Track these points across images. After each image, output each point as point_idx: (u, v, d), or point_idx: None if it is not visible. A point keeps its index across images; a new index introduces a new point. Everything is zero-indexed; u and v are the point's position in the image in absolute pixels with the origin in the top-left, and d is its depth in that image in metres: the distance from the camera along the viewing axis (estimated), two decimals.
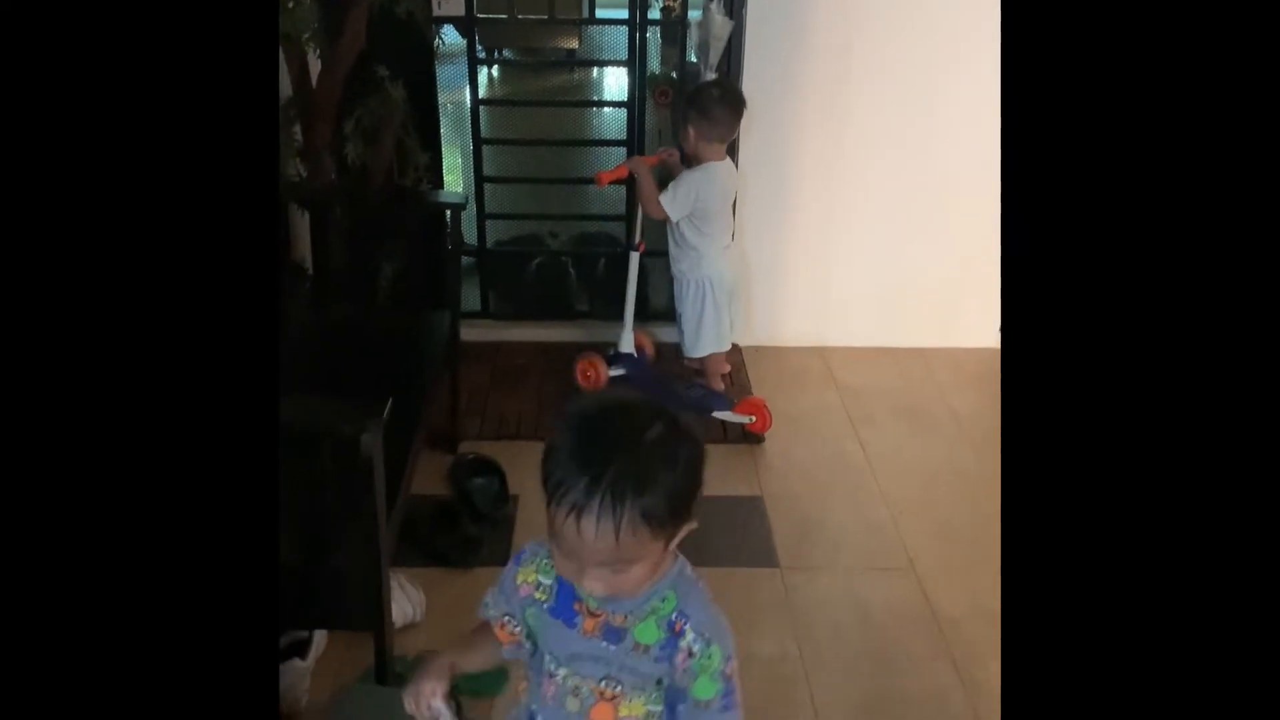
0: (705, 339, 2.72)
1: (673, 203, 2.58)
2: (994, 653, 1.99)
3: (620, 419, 0.98)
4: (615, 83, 6.33)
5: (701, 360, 2.79)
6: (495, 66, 6.19)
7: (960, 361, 3.14)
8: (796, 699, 1.92)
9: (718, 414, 2.72)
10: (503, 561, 2.18)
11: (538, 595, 1.12)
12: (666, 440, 0.97)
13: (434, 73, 2.81)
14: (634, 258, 2.77)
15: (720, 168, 2.61)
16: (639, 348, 2.88)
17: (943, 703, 1.92)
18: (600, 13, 6.24)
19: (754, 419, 2.69)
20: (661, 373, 2.89)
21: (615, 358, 2.85)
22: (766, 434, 2.69)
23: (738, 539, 2.35)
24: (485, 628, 1.19)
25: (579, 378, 2.85)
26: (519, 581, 1.15)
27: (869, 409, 2.87)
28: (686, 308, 2.71)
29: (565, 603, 1.10)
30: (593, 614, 1.08)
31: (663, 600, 1.07)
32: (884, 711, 1.90)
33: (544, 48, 6.04)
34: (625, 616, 1.06)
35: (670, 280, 2.79)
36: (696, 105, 2.55)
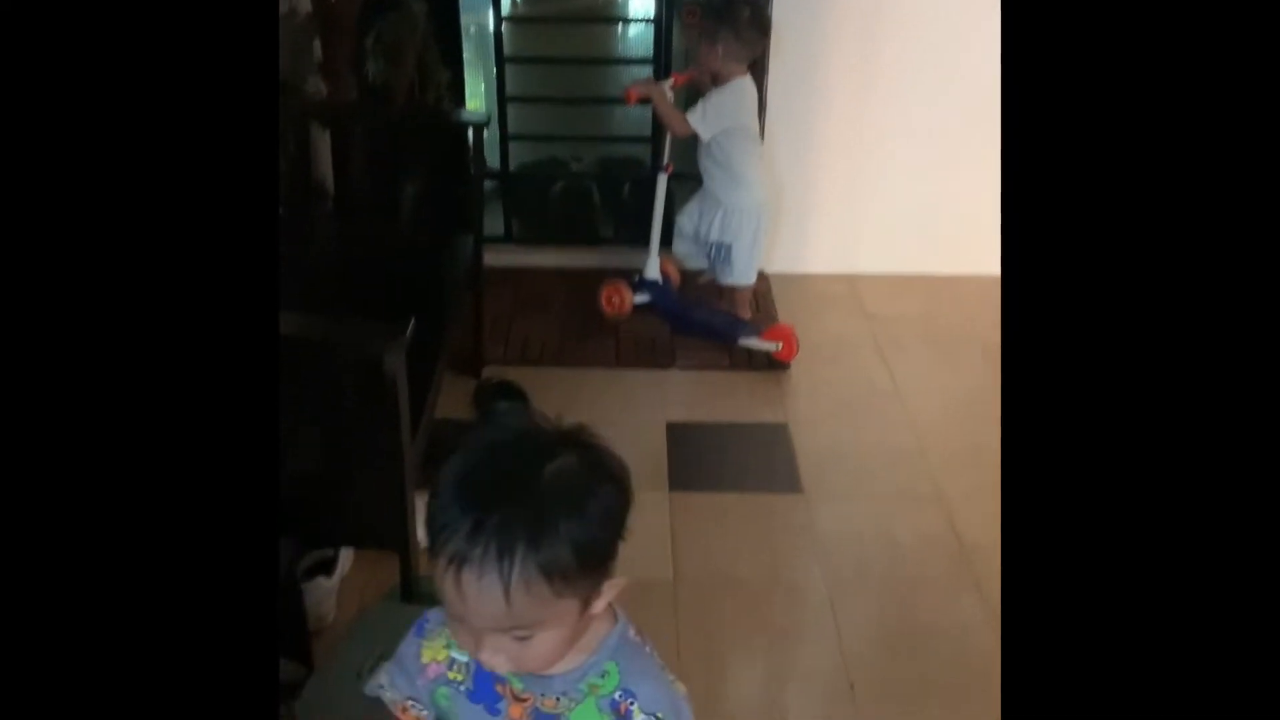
0: (755, 266, 2.71)
1: (703, 120, 2.52)
2: None
3: (518, 449, 0.81)
4: (641, 1, 6.15)
5: (732, 287, 2.75)
6: None
7: (991, 290, 3.06)
8: (821, 627, 1.92)
9: (744, 341, 2.69)
10: None
11: (451, 675, 0.93)
12: (575, 477, 0.80)
13: None
14: (661, 180, 2.72)
15: (747, 84, 2.57)
16: (664, 274, 2.84)
17: (968, 633, 1.92)
18: None
19: (780, 346, 2.66)
20: (687, 299, 2.85)
21: (640, 284, 2.82)
22: (793, 361, 2.66)
23: (762, 465, 2.33)
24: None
25: (603, 304, 2.82)
26: (425, 660, 0.95)
27: (898, 337, 2.82)
28: (736, 236, 2.64)
29: (485, 685, 0.91)
30: (519, 698, 0.90)
31: (602, 676, 0.89)
32: (909, 641, 1.90)
33: None
34: (557, 699, 0.89)
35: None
36: (729, 23, 2.49)
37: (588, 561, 0.80)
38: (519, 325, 2.81)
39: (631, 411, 2.49)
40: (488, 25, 3.51)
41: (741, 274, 2.69)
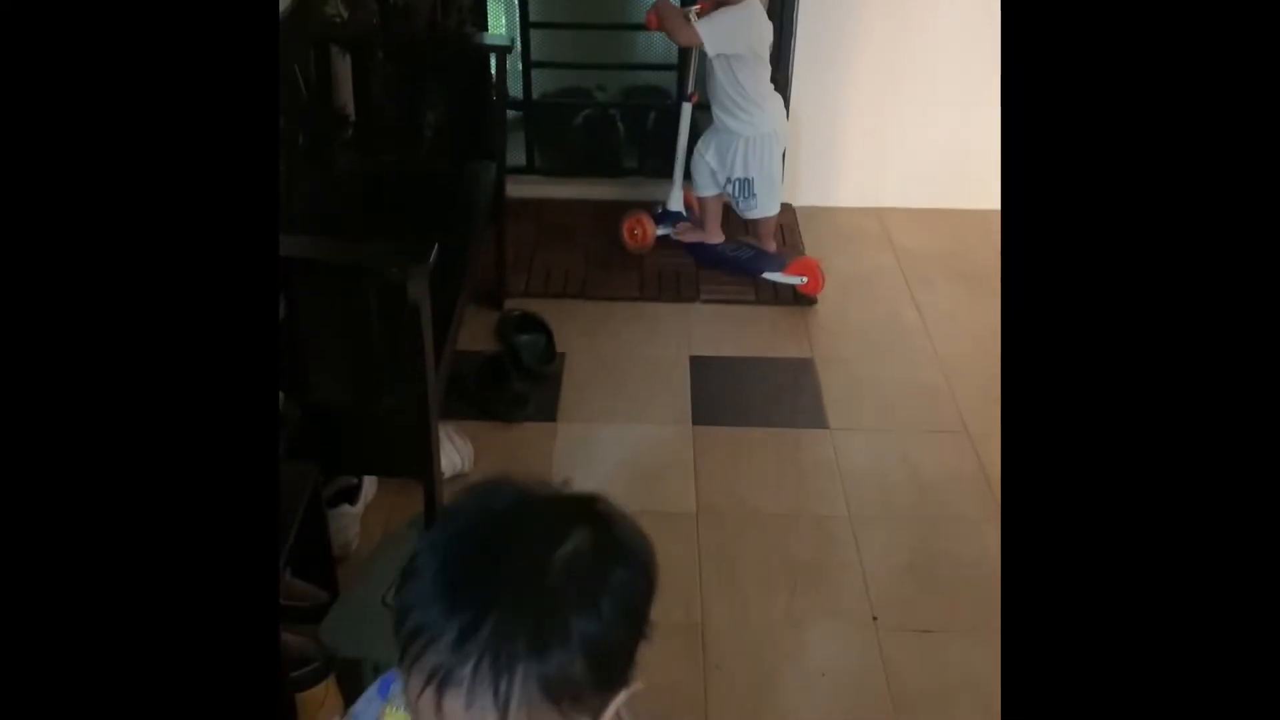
0: (778, 196, 2.66)
1: (711, 34, 2.43)
2: None
3: (518, 528, 0.64)
4: None
5: (756, 220, 2.70)
6: None
7: None
8: (844, 558, 1.91)
9: (768, 275, 2.65)
10: (549, 417, 2.21)
11: None
12: (590, 563, 0.63)
13: None
14: (686, 109, 2.66)
15: (758, 9, 2.51)
16: (688, 205, 2.80)
17: (991, 565, 1.90)
18: None
19: (806, 280, 2.62)
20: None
21: (663, 215, 2.78)
22: (819, 296, 2.62)
23: (787, 400, 2.31)
24: None
25: (626, 236, 2.78)
26: None
27: (926, 271, 2.78)
28: (756, 168, 2.59)
29: None
30: None
31: None
32: (931, 572, 1.89)
33: None
34: None
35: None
36: None
37: (603, 673, 0.62)
38: (541, 257, 2.78)
39: (655, 345, 2.47)
40: None
41: (765, 206, 2.65)
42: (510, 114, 2.82)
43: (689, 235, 2.78)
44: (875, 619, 1.79)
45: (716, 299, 2.64)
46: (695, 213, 2.81)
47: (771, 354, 2.46)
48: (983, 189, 3.04)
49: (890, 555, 1.92)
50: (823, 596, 1.84)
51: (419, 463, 1.63)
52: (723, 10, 2.45)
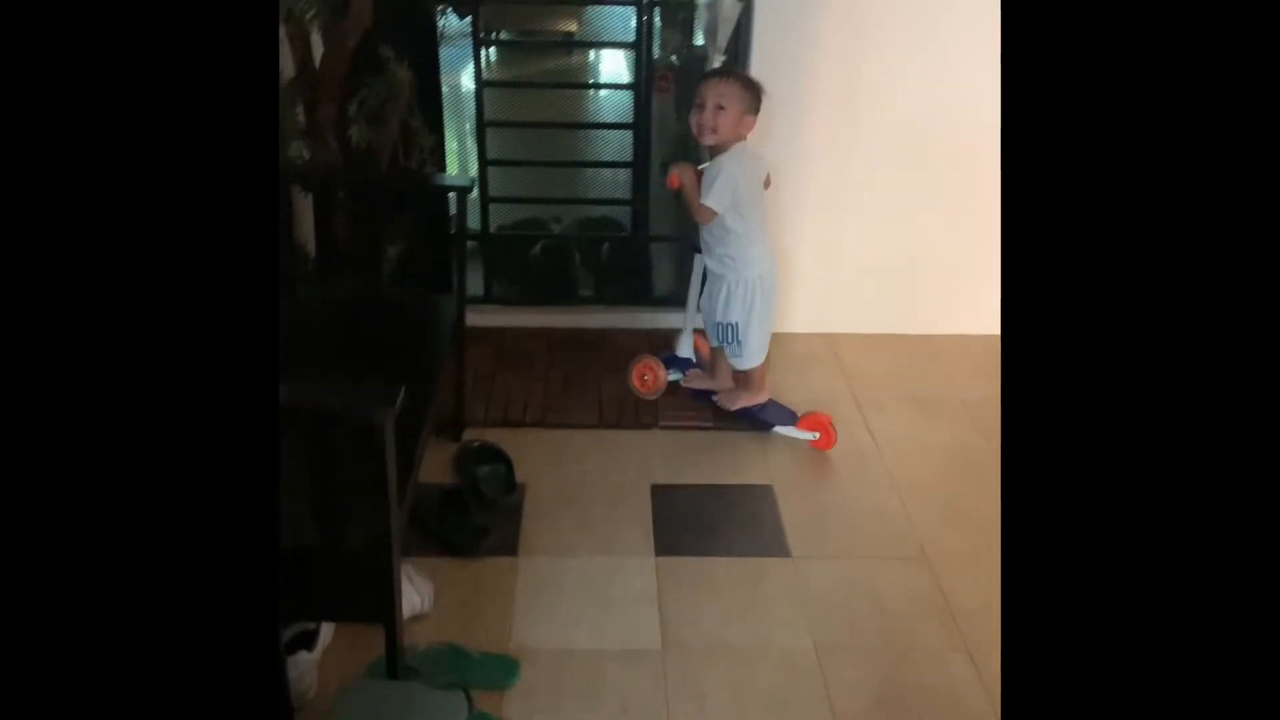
0: (760, 346, 2.59)
1: (718, 201, 2.40)
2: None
3: None
4: (612, 67, 6.27)
5: (744, 370, 2.63)
6: (493, 49, 6.12)
7: (968, 348, 3.11)
8: (813, 690, 1.89)
9: (780, 430, 2.61)
10: (510, 550, 2.19)
11: None
12: None
13: (437, 55, 2.76)
14: (698, 260, 2.62)
15: (747, 149, 2.46)
16: (697, 351, 2.79)
17: (959, 695, 1.90)
18: None
19: (818, 435, 2.59)
20: None
21: (672, 361, 2.77)
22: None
23: (748, 528, 2.32)
24: None
25: (635, 383, 2.76)
26: None
27: (878, 396, 2.84)
28: (743, 313, 2.53)
29: None
30: None
31: None
32: (900, 703, 1.88)
33: (542, 30, 5.97)
34: None
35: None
36: (753, 87, 2.41)
37: None
38: (501, 385, 2.79)
39: (616, 474, 2.48)
40: (461, 86, 3.56)
41: (751, 355, 2.58)
42: (468, 245, 2.88)
43: (698, 382, 2.76)
44: None
45: (676, 425, 2.67)
46: (704, 358, 2.79)
47: (732, 480, 2.48)
48: (927, 315, 3.16)
49: (857, 685, 1.90)
50: None
51: (382, 606, 1.60)
52: (714, 166, 2.42)
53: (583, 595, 2.09)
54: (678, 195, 2.51)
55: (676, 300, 3.21)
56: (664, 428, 2.67)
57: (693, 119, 2.43)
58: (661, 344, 2.92)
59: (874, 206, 3.03)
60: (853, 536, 2.31)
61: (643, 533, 2.28)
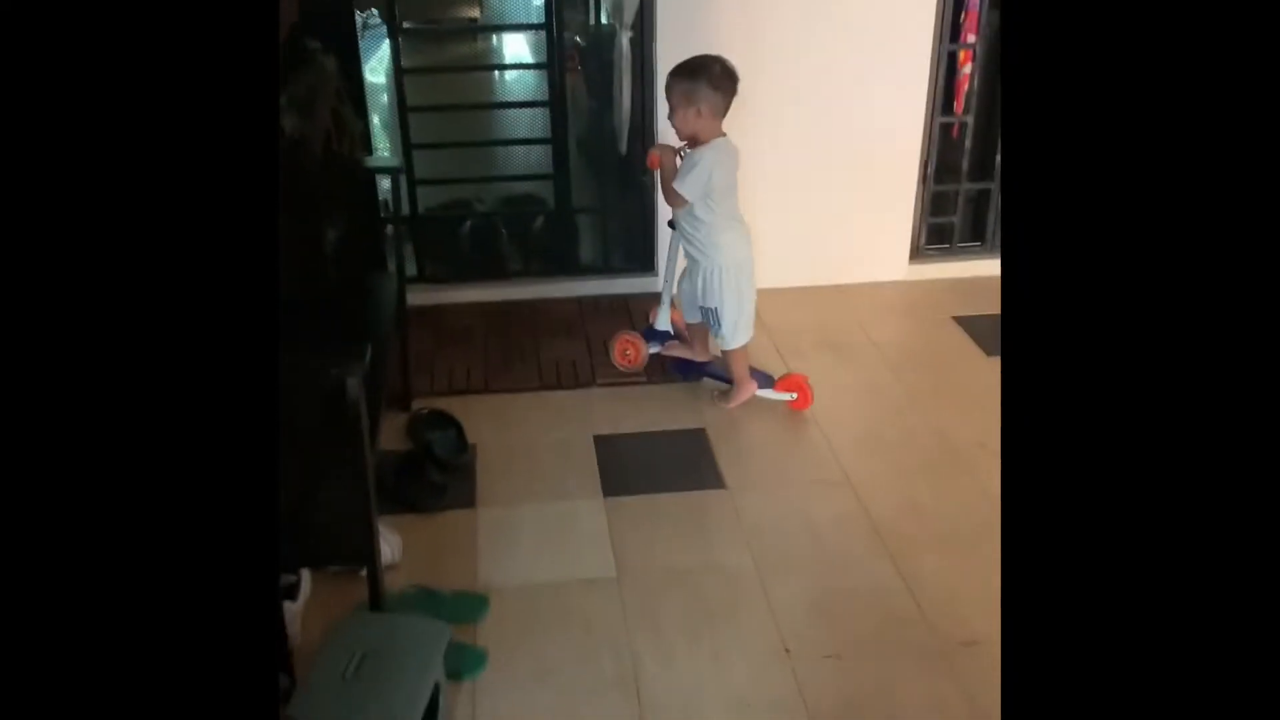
0: (742, 329, 2.69)
1: (691, 190, 2.53)
2: (926, 548, 2.22)
3: None
4: (513, 49, 6.40)
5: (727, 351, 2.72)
6: (400, 37, 6.19)
7: (875, 295, 3.36)
8: (754, 602, 2.10)
9: (760, 393, 2.74)
10: (468, 504, 2.35)
11: None
12: None
13: (358, 45, 2.88)
14: (673, 236, 2.73)
15: (725, 143, 2.57)
16: (674, 324, 2.89)
17: (885, 594, 2.13)
18: None
19: (795, 396, 2.74)
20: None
21: (651, 334, 2.88)
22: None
23: (687, 467, 2.52)
24: None
25: (618, 357, 2.87)
26: None
27: (796, 344, 3.07)
28: (721, 299, 2.64)
29: None
30: None
31: None
32: (833, 607, 2.09)
33: (446, 18, 6.06)
34: None
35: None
36: (710, 81, 2.50)
37: None
38: (442, 358, 2.94)
39: (560, 429, 2.65)
40: (376, 75, 3.67)
41: (730, 337, 2.68)
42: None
43: (677, 351, 2.88)
44: (788, 651, 1.98)
45: (611, 382, 2.85)
46: (682, 331, 2.89)
47: (667, 427, 2.68)
48: (838, 267, 3.39)
49: (794, 595, 2.12)
50: (739, 637, 2.02)
51: (363, 549, 1.75)
52: (691, 158, 2.53)
53: (540, 537, 2.27)
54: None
55: (602, 269, 3.40)
56: (601, 385, 2.85)
57: None
58: (590, 310, 3.10)
59: (779, 170, 3.24)
60: (781, 467, 2.53)
61: (590, 479, 2.46)
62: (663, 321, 2.86)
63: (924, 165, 3.34)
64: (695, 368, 2.86)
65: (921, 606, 2.08)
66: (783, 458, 2.57)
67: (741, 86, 3.13)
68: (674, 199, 2.58)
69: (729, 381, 2.77)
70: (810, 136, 3.22)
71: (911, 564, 2.19)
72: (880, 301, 3.33)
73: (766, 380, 2.79)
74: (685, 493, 2.42)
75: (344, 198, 2.72)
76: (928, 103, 3.25)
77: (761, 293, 3.31)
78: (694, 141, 2.57)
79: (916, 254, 3.47)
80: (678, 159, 2.62)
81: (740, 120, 3.14)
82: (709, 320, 2.71)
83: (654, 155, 2.65)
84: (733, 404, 2.75)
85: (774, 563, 2.21)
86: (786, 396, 2.75)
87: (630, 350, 2.87)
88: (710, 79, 2.51)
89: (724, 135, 2.59)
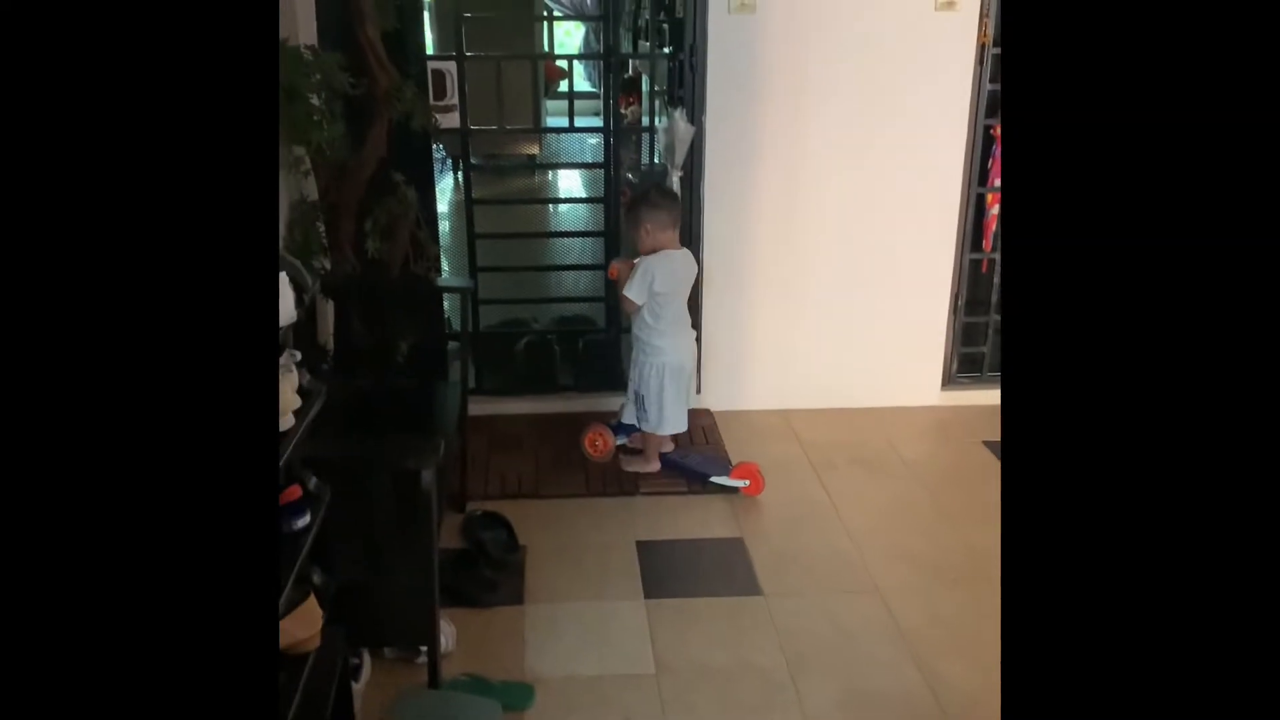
0: (668, 420, 2.97)
1: (636, 293, 2.87)
2: (951, 655, 2.32)
3: None
4: (569, 183, 6.86)
5: (643, 437, 3.05)
6: (462, 171, 6.66)
7: (907, 417, 3.52)
8: (786, 702, 2.21)
9: (715, 479, 3.00)
10: (516, 600, 2.50)
11: None
12: None
13: (434, 177, 3.19)
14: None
15: (676, 255, 2.90)
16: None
17: (911, 698, 2.23)
18: (578, 121, 6.81)
19: (748, 483, 2.98)
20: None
21: (619, 427, 3.14)
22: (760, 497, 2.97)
23: (724, 573, 2.66)
24: None
25: (588, 447, 3.14)
26: None
27: (829, 458, 3.22)
28: (645, 388, 2.95)
29: None
30: None
31: None
32: (862, 709, 2.19)
33: (508, 154, 6.52)
34: None
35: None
36: (646, 202, 2.89)
37: None
38: (495, 464, 3.13)
39: (604, 533, 2.81)
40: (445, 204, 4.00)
41: (653, 424, 2.98)
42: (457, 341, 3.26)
43: (640, 444, 3.12)
44: None
45: (653, 492, 3.02)
46: None
47: (706, 535, 2.82)
48: (871, 390, 3.57)
49: (824, 695, 2.22)
50: None
51: (425, 630, 1.91)
52: (640, 263, 2.87)
53: (584, 633, 2.40)
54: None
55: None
56: (644, 494, 3.01)
57: None
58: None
59: (817, 297, 3.47)
60: (814, 575, 2.66)
61: (632, 581, 2.60)
62: (628, 415, 3.08)
63: (955, 298, 3.54)
64: (694, 474, 3.04)
65: (946, 711, 2.17)
66: (815, 567, 2.70)
67: (783, 221, 3.40)
68: (624, 302, 2.91)
69: (702, 477, 3.01)
70: (849, 270, 3.45)
71: (937, 670, 2.29)
72: (913, 424, 3.49)
73: (723, 468, 3.02)
74: (722, 597, 2.55)
75: (417, 313, 2.98)
76: (958, 240, 3.47)
77: (798, 412, 3.53)
78: (646, 254, 2.88)
79: (949, 381, 3.64)
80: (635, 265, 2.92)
81: (783, 254, 3.41)
82: (638, 405, 2.99)
83: (614, 267, 2.98)
84: (629, 467, 3.06)
85: (805, 665, 2.32)
86: (739, 484, 2.98)
87: (599, 441, 3.13)
88: (648, 201, 2.88)
89: (681, 249, 2.93)
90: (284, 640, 1.51)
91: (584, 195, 6.24)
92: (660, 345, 2.93)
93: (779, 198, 3.37)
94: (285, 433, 1.45)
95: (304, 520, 1.54)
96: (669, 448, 3.13)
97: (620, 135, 4.77)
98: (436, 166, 3.71)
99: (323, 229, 2.76)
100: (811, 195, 3.36)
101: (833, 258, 3.44)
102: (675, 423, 3.00)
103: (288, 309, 1.54)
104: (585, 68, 8.49)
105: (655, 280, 2.85)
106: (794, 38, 3.21)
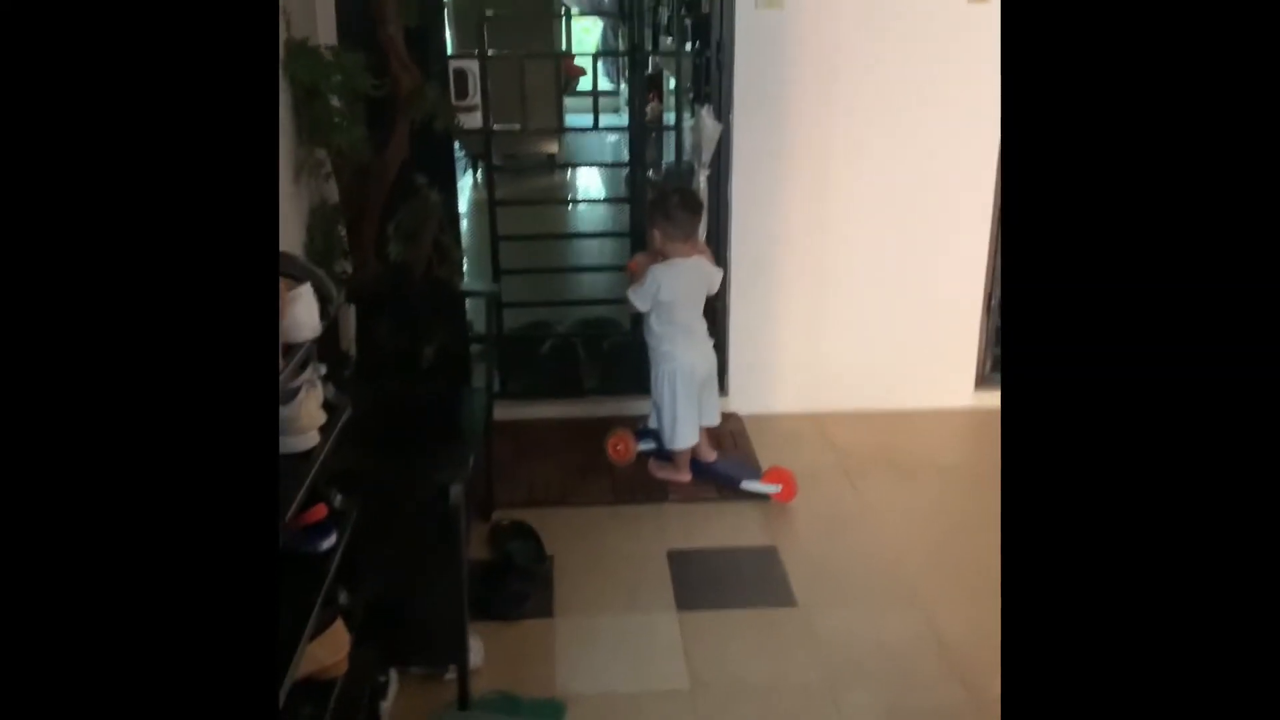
0: (681, 431, 2.91)
1: (639, 299, 2.84)
2: (996, 670, 2.23)
3: None
4: (587, 183, 6.80)
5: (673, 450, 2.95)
6: (481, 171, 6.60)
7: (940, 420, 3.44)
8: (825, 718, 2.14)
9: (746, 485, 2.93)
10: (546, 613, 2.44)
11: None
12: None
13: (456, 180, 3.13)
14: None
15: (686, 264, 2.82)
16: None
17: (955, 715, 2.15)
18: (603, 120, 6.70)
19: (780, 488, 2.91)
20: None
21: (644, 432, 3.08)
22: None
23: (758, 583, 2.58)
24: None
25: (610, 452, 3.08)
26: None
27: (862, 465, 3.14)
28: (659, 397, 2.91)
29: None
30: None
31: None
32: None
33: (528, 153, 6.46)
34: None
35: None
36: (661, 210, 2.81)
37: None
38: (523, 470, 3.07)
39: (634, 542, 2.75)
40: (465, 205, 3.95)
41: (670, 436, 2.92)
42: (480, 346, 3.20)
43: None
44: None
45: (683, 499, 2.95)
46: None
47: (739, 544, 2.75)
48: (903, 392, 3.49)
49: (864, 712, 2.15)
50: None
51: (454, 648, 1.85)
52: (650, 270, 2.81)
53: (616, 647, 2.34)
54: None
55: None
56: (673, 501, 2.94)
57: None
58: None
59: (848, 297, 3.39)
60: (850, 585, 2.58)
61: (664, 592, 2.54)
62: (654, 420, 3.02)
63: (987, 298, 3.46)
64: (725, 480, 2.97)
65: None
66: (852, 576, 2.62)
67: (811, 221, 3.31)
68: (631, 303, 2.88)
69: (733, 482, 2.95)
70: (880, 269, 3.37)
71: (982, 687, 2.21)
72: (947, 426, 3.41)
73: (754, 472, 2.94)
74: (757, 609, 2.48)
75: (441, 317, 2.92)
76: (991, 239, 3.39)
77: (832, 415, 3.45)
78: (661, 258, 2.82)
79: (982, 381, 3.56)
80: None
81: (812, 254, 3.33)
82: (656, 412, 2.94)
83: (634, 261, 2.93)
84: (659, 474, 3.00)
85: (844, 679, 2.24)
86: (771, 489, 2.90)
87: (621, 445, 3.08)
88: (664, 210, 2.80)
89: (693, 257, 2.84)
90: (310, 666, 1.45)
91: (603, 194, 6.18)
92: (668, 352, 2.89)
93: (807, 195, 3.29)
94: (310, 451, 1.39)
95: (330, 541, 1.48)
96: (711, 457, 3.03)
97: (643, 133, 4.76)
98: (458, 168, 3.64)
99: (344, 233, 2.70)
100: (841, 193, 3.28)
101: (863, 257, 3.36)
102: (686, 434, 2.93)
103: (313, 321, 1.48)
104: (603, 64, 8.42)
105: (661, 289, 2.81)
106: (823, 32, 3.13)
